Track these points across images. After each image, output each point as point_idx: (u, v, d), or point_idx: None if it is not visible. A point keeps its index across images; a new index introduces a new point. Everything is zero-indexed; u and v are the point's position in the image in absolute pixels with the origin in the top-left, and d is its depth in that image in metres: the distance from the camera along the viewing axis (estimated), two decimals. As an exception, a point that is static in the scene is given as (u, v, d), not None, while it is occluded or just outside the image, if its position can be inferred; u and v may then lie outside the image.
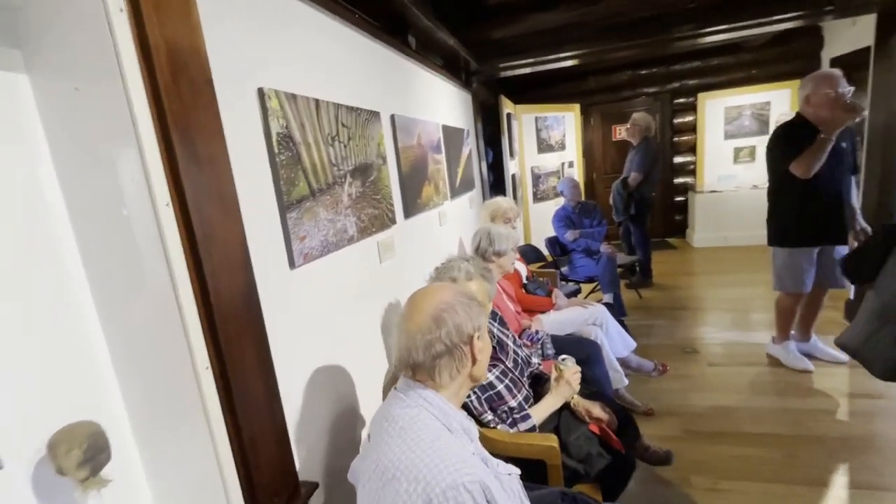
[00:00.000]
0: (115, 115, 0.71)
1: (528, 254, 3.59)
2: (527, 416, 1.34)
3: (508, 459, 1.06)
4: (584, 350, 2.04)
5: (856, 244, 2.56)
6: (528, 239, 4.70)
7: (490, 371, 1.40)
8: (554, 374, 1.47)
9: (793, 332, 2.80)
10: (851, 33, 4.41)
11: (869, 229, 2.57)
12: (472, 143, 3.25)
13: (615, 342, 2.46)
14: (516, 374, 1.46)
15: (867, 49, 4.11)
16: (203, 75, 0.82)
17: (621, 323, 2.63)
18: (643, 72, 5.64)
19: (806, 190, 2.38)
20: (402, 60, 1.94)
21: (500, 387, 1.37)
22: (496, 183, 4.18)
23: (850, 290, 3.08)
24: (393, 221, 1.65)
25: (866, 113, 2.28)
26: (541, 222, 4.96)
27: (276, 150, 1.01)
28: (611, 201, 4.45)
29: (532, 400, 1.46)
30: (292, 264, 1.06)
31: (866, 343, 0.95)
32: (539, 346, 1.93)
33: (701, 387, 2.64)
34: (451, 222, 2.53)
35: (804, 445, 2.09)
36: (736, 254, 5.19)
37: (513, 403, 1.37)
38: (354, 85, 1.46)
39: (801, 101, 2.42)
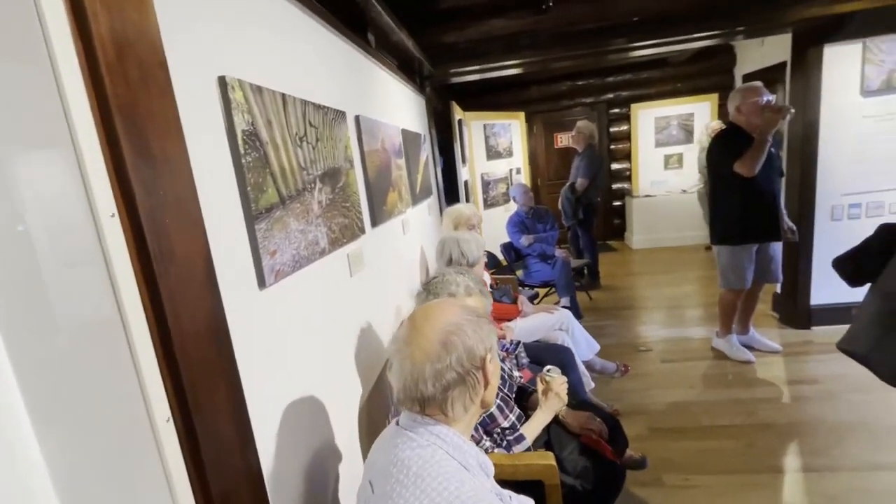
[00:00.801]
0: (40, 102, 0.54)
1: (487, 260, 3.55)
2: (521, 438, 1.26)
3: (506, 484, 0.98)
4: (557, 356, 2.01)
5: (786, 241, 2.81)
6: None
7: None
8: (541, 387, 1.41)
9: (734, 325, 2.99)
10: (760, 52, 4.91)
11: (794, 227, 2.81)
12: (428, 149, 3.17)
13: (580, 346, 2.48)
14: (506, 391, 1.38)
15: (774, 66, 4.59)
16: (155, 55, 0.67)
17: (579, 325, 2.66)
18: (580, 82, 5.90)
19: (745, 192, 2.56)
20: (364, 59, 1.82)
21: (493, 407, 1.28)
22: (449, 189, 4.12)
23: (778, 286, 3.37)
24: (362, 231, 1.51)
25: (793, 111, 2.50)
26: (492, 228, 4.98)
27: (242, 151, 0.86)
28: (560, 206, 4.56)
29: (523, 417, 1.39)
30: (262, 283, 0.91)
31: (874, 349, 0.93)
32: (514, 357, 1.88)
33: (658, 384, 2.73)
34: (414, 230, 2.42)
35: (758, 434, 2.20)
36: (670, 254, 5.54)
37: (505, 424, 1.28)
38: (320, 81, 1.32)
39: (732, 111, 2.60)
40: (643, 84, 5.83)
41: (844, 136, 2.91)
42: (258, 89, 0.93)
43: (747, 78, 5.22)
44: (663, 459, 2.08)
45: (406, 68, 2.80)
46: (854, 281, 0.98)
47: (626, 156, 6.12)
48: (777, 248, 2.78)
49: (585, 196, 4.33)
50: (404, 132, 2.36)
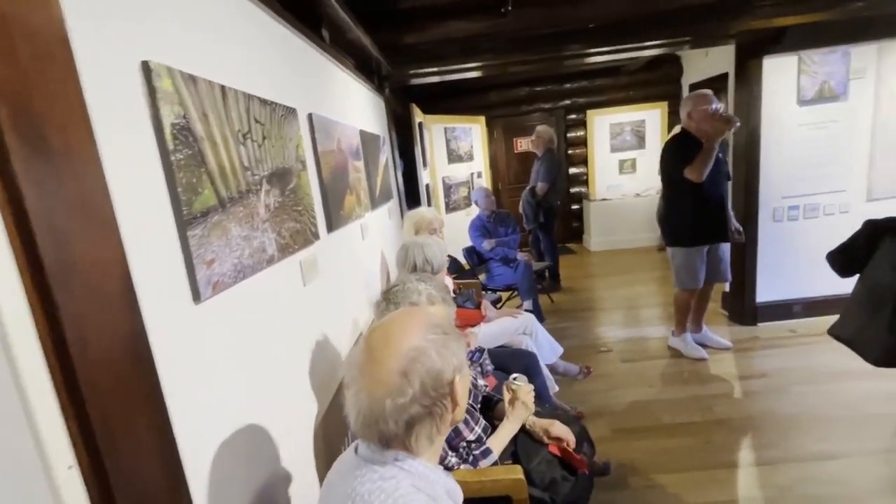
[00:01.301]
0: None
1: (448, 265, 3.50)
2: (488, 452, 1.20)
3: (473, 502, 0.92)
4: (522, 362, 1.98)
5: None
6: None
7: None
8: (507, 397, 1.36)
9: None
10: (705, 63, 5.17)
11: (741, 228, 2.95)
12: (388, 151, 3.09)
13: (544, 349, 2.47)
14: (470, 402, 1.32)
15: (718, 77, 4.84)
16: (53, 29, 0.56)
17: (542, 328, 2.66)
18: (539, 88, 6.01)
19: (695, 196, 2.66)
20: (319, 56, 1.72)
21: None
22: (410, 193, 4.05)
23: (727, 285, 3.52)
24: (316, 236, 1.41)
25: (739, 123, 2.62)
26: (454, 232, 4.93)
27: (172, 147, 0.75)
28: (520, 210, 4.59)
29: (490, 429, 1.33)
30: (197, 297, 0.80)
31: (860, 333, 0.97)
32: (479, 365, 1.83)
33: (620, 384, 2.77)
34: (373, 235, 2.33)
35: (714, 430, 2.26)
36: (626, 255, 5.72)
37: (471, 437, 1.22)
38: (268, 75, 1.21)
39: (684, 117, 2.70)
40: (598, 91, 6.01)
41: (783, 143, 3.09)
42: (192, 79, 0.82)
43: (694, 87, 5.48)
44: (627, 460, 2.09)
45: (364, 68, 2.71)
46: (844, 273, 1.05)
47: (584, 160, 6.27)
48: (726, 248, 2.90)
49: (545, 200, 4.38)
50: (363, 133, 2.27)
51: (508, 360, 1.99)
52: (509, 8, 2.72)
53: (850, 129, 3.05)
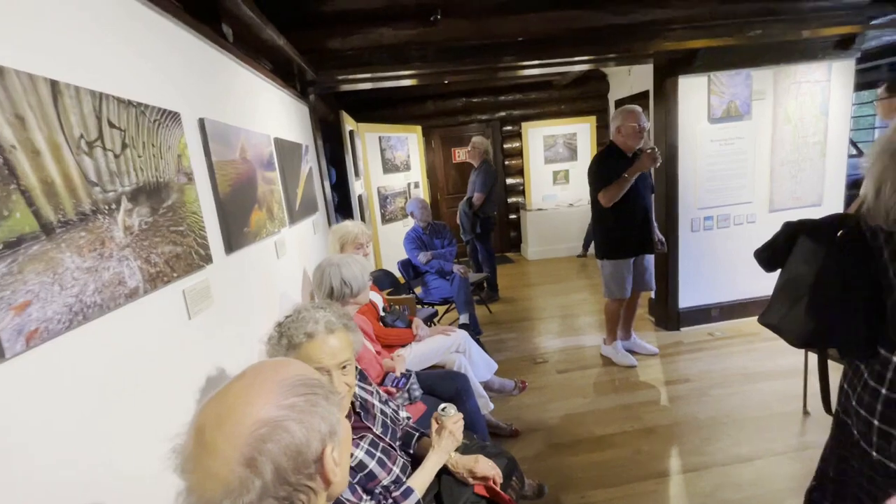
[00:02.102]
0: None
1: (382, 280, 3.36)
2: (409, 492, 1.08)
3: None
4: (453, 384, 1.88)
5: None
6: (380, 263, 4.48)
7: (357, 446, 1.11)
8: (434, 427, 1.26)
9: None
10: (629, 80, 5.46)
11: (663, 239, 3.07)
12: (313, 161, 2.90)
13: (478, 366, 2.39)
14: (387, 440, 1.19)
15: (640, 94, 5.13)
16: None
17: (478, 342, 2.59)
18: (475, 100, 6.05)
19: (623, 209, 2.76)
20: (218, 55, 1.54)
21: (372, 464, 1.09)
22: (342, 204, 3.87)
23: (652, 292, 3.67)
24: (207, 260, 1.23)
25: (661, 161, 2.75)
26: (391, 244, 4.80)
27: (-48, 158, 0.57)
28: (458, 221, 4.55)
29: (409, 467, 1.21)
30: (0, 354, 0.61)
31: (783, 319, 1.12)
32: (406, 391, 1.70)
33: (554, 396, 2.76)
34: (293, 252, 2.14)
35: (643, 439, 2.30)
36: (562, 264, 5.86)
37: (388, 480, 1.10)
38: (136, 71, 1.03)
39: (613, 130, 2.78)
40: (532, 104, 6.16)
41: (697, 157, 3.28)
42: (-3, 70, 0.64)
43: (619, 103, 5.77)
44: (561, 478, 2.06)
45: (283, 72, 2.52)
46: (769, 267, 1.20)
47: (520, 171, 6.39)
48: (650, 259, 3.01)
49: (482, 210, 4.37)
50: (278, 141, 2.08)
51: (438, 384, 1.88)
52: (439, 17, 2.66)
53: (753, 146, 3.31)
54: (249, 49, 1.88)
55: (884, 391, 0.93)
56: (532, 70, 3.43)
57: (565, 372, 3.07)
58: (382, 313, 2.36)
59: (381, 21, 2.68)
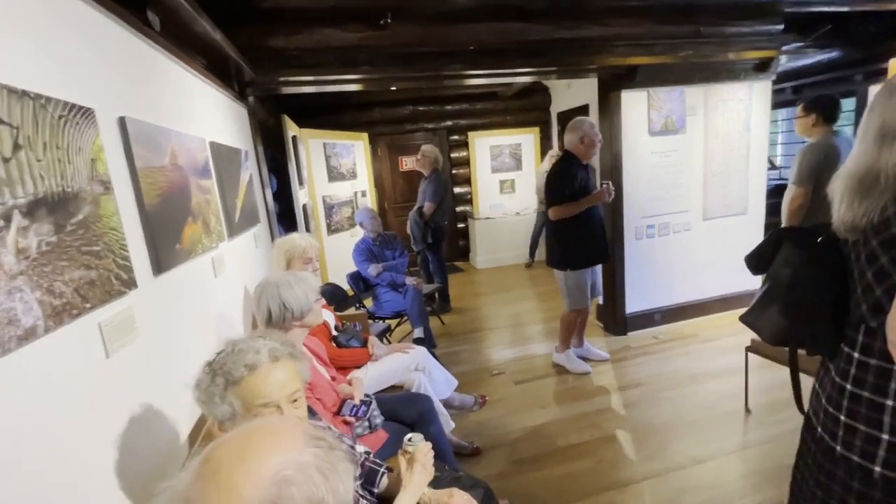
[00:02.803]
0: None
1: (329, 294, 3.16)
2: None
3: None
4: (416, 408, 1.77)
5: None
6: (326, 277, 4.25)
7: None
8: (403, 462, 1.14)
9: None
10: (568, 94, 5.67)
11: (609, 248, 3.17)
12: (254, 168, 2.67)
13: (438, 384, 2.29)
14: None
15: (580, 107, 5.33)
16: None
17: (434, 356, 2.50)
18: (422, 108, 6.00)
19: (584, 220, 2.83)
20: (143, 45, 1.33)
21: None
22: (285, 214, 3.62)
23: (600, 298, 3.77)
24: (130, 284, 1.03)
25: (612, 198, 2.91)
26: (338, 256, 4.59)
27: None
28: (408, 231, 4.43)
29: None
30: None
31: (759, 318, 1.18)
32: (366, 420, 1.56)
33: (514, 409, 2.72)
34: (233, 269, 1.92)
35: (604, 447, 2.30)
36: (510, 272, 5.92)
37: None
38: (32, 55, 0.83)
39: (575, 140, 2.81)
40: (478, 114, 6.22)
41: (640, 168, 3.43)
42: None
43: (561, 115, 5.98)
44: (529, 497, 2.00)
45: (219, 70, 2.29)
46: (756, 271, 1.25)
47: (467, 180, 6.41)
48: (598, 266, 3.09)
49: (433, 220, 4.29)
50: (215, 146, 1.87)
51: (400, 408, 1.76)
52: (388, 21, 2.57)
53: (688, 158, 3.52)
54: (181, 42, 1.67)
55: (849, 387, 0.95)
56: (480, 80, 3.43)
57: (523, 383, 3.05)
58: (335, 333, 2.19)
59: (328, 21, 2.54)
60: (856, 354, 0.95)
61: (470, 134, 6.21)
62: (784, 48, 3.49)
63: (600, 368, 3.13)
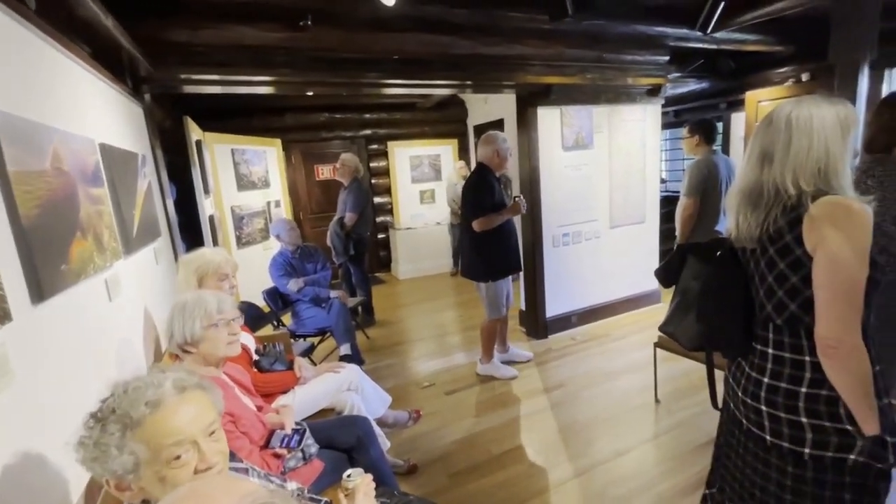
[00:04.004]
0: None
1: (245, 315, 2.88)
2: None
3: None
4: (354, 431, 1.66)
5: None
6: (237, 295, 3.88)
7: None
8: (343, 500, 1.05)
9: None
10: (485, 109, 5.89)
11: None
12: (152, 175, 2.35)
13: (373, 402, 2.19)
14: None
15: (496, 121, 5.57)
16: None
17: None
18: (338, 115, 5.83)
19: (502, 232, 2.92)
20: (14, 24, 1.10)
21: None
22: (188, 227, 3.25)
23: (522, 303, 3.93)
24: (3, 318, 0.83)
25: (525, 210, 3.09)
26: (251, 271, 4.23)
27: None
28: (329, 243, 4.24)
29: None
30: None
31: (677, 326, 1.30)
32: (300, 451, 1.43)
33: (447, 421, 2.70)
34: (131, 290, 1.66)
35: (536, 450, 2.37)
36: (433, 281, 5.94)
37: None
38: None
39: (490, 153, 2.90)
40: (397, 124, 6.19)
41: (555, 180, 3.65)
42: None
43: (478, 128, 6.19)
44: (467, 509, 1.98)
45: (110, 62, 1.99)
46: (667, 284, 1.36)
47: (387, 190, 6.33)
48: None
49: (355, 231, 4.15)
50: (106, 148, 1.61)
51: (336, 433, 1.64)
52: (308, 23, 2.44)
53: (596, 171, 3.83)
54: (61, 26, 1.41)
55: (766, 380, 1.08)
56: (401, 89, 3.42)
57: (454, 393, 3.04)
58: (256, 356, 2.00)
59: (242, 19, 2.34)
60: (770, 351, 1.08)
61: (389, 143, 6.16)
62: (670, 77, 3.98)
63: (526, 372, 3.24)
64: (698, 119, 3.17)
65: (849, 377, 0.95)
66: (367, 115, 5.98)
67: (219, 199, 3.98)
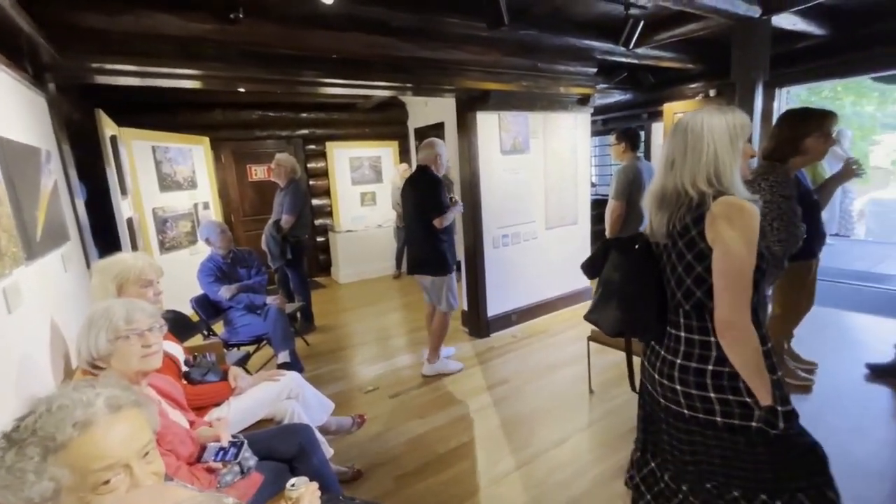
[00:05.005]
0: None
1: (171, 324, 2.66)
2: None
3: None
4: (295, 440, 1.60)
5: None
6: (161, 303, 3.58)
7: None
8: (288, 509, 1.02)
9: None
10: (425, 111, 5.94)
11: None
12: (59, 172, 2.11)
13: (314, 410, 2.12)
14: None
15: (436, 124, 5.63)
16: None
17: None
18: (272, 114, 5.60)
19: (449, 228, 3.06)
20: None
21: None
22: (102, 230, 2.96)
23: (464, 303, 4.00)
24: None
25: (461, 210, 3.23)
26: (176, 277, 3.93)
27: None
28: (264, 247, 4.05)
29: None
30: None
31: (600, 314, 1.38)
32: (237, 465, 1.36)
33: (393, 423, 2.68)
34: (33, 300, 1.49)
35: (482, 446, 2.43)
36: (375, 284, 5.87)
37: None
38: None
39: (433, 156, 2.96)
40: (336, 124, 6.06)
41: (494, 183, 3.76)
42: None
43: (419, 131, 6.22)
44: (414, 509, 1.99)
45: (6, 46, 1.77)
46: (591, 275, 1.45)
47: (326, 192, 6.17)
48: None
49: (293, 234, 4.00)
50: (3, 142, 1.44)
51: (276, 443, 1.57)
52: (241, 15, 2.33)
53: (533, 175, 3.99)
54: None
55: (679, 361, 1.21)
56: (341, 89, 3.35)
57: (398, 395, 3.03)
58: (186, 368, 1.86)
59: (166, 7, 2.18)
60: (682, 334, 1.21)
61: (328, 144, 6.01)
62: (598, 87, 4.25)
63: (470, 371, 3.31)
64: (624, 128, 3.43)
65: (743, 354, 1.09)
66: (304, 115, 5.80)
67: (138, 200, 3.67)
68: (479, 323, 3.89)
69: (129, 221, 3.27)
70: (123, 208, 3.17)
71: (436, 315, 3.16)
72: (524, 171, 3.93)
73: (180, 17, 2.24)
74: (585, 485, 2.07)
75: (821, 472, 1.15)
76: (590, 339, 2.79)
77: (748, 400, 1.11)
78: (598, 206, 4.55)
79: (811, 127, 2.11)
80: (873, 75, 4.29)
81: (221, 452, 1.38)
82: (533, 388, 2.99)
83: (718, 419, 1.15)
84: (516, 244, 3.99)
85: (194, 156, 4.52)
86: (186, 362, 1.91)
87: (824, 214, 2.52)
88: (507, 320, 4.02)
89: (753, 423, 1.11)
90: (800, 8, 2.90)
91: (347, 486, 2.15)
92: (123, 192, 3.25)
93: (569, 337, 3.75)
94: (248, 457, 1.43)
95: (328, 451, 2.06)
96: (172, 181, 4.18)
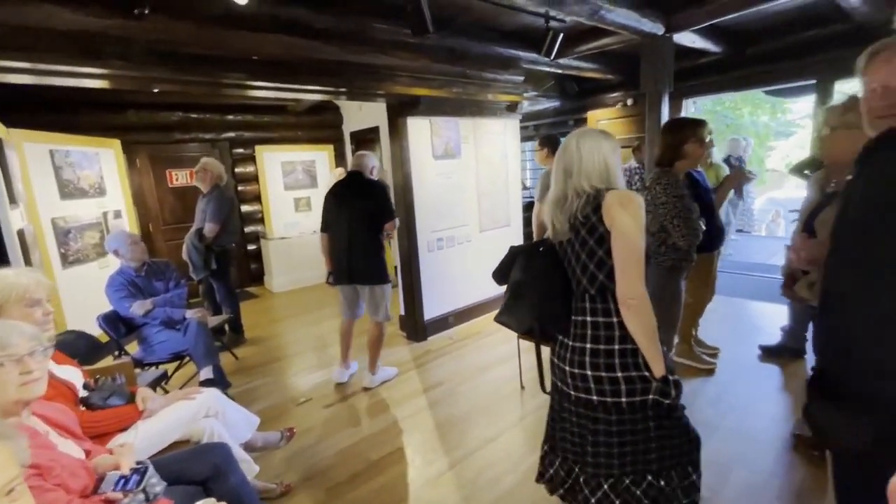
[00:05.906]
0: None
1: (73, 346, 2.43)
2: None
3: None
4: (209, 460, 1.51)
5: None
6: (64, 323, 3.25)
7: None
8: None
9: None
10: (360, 116, 5.87)
11: None
12: (-77, 180, 1.86)
13: (237, 426, 2.02)
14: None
15: (371, 128, 5.59)
16: None
17: (228, 397, 2.21)
18: (195, 115, 5.28)
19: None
20: None
21: None
22: (-14, 244, 2.64)
23: (401, 307, 3.99)
24: None
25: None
26: (83, 294, 3.59)
27: None
28: (185, 257, 3.80)
29: None
30: None
31: (511, 316, 1.49)
32: (142, 492, 1.26)
33: (325, 435, 2.62)
34: None
35: (415, 450, 2.44)
36: (311, 292, 5.69)
37: None
38: None
39: (370, 164, 3.02)
40: (266, 127, 5.82)
41: (427, 188, 3.79)
42: None
43: (354, 135, 6.14)
44: (347, 520, 1.95)
45: None
46: (501, 281, 1.55)
47: (256, 197, 5.91)
48: None
49: (217, 243, 3.79)
50: None
51: (188, 466, 1.48)
52: (146, 11, 2.18)
53: (465, 179, 4.08)
54: None
55: (588, 345, 1.32)
56: (265, 92, 3.24)
57: (332, 406, 2.96)
58: (85, 393, 1.70)
59: (53, -3, 1.99)
60: (588, 318, 1.34)
61: (258, 148, 5.76)
62: (525, 95, 4.43)
63: (406, 375, 3.30)
64: (546, 134, 3.61)
65: (641, 323, 1.24)
66: (231, 117, 5.52)
67: (33, 209, 3.30)
68: (416, 327, 3.90)
69: (21, 233, 2.93)
70: (13, 219, 2.84)
71: (372, 326, 3.11)
72: (456, 176, 4.00)
73: (74, 10, 2.05)
74: (516, 479, 2.14)
75: (690, 451, 1.35)
76: (520, 337, 2.88)
77: (646, 374, 1.27)
78: (531, 208, 4.74)
79: (687, 134, 2.41)
80: (764, 89, 4.85)
81: (122, 481, 1.28)
82: (467, 389, 3.05)
83: (623, 399, 1.28)
84: (451, 247, 4.05)
85: (102, 160, 4.14)
86: (86, 386, 1.75)
87: (729, 213, 2.85)
88: (444, 323, 4.06)
89: (651, 396, 1.27)
90: (697, 27, 3.21)
91: (276, 502, 2.07)
92: (12, 200, 2.91)
93: (502, 336, 3.85)
94: (155, 483, 1.33)
95: (254, 469, 1.98)
96: (76, 188, 3.80)
